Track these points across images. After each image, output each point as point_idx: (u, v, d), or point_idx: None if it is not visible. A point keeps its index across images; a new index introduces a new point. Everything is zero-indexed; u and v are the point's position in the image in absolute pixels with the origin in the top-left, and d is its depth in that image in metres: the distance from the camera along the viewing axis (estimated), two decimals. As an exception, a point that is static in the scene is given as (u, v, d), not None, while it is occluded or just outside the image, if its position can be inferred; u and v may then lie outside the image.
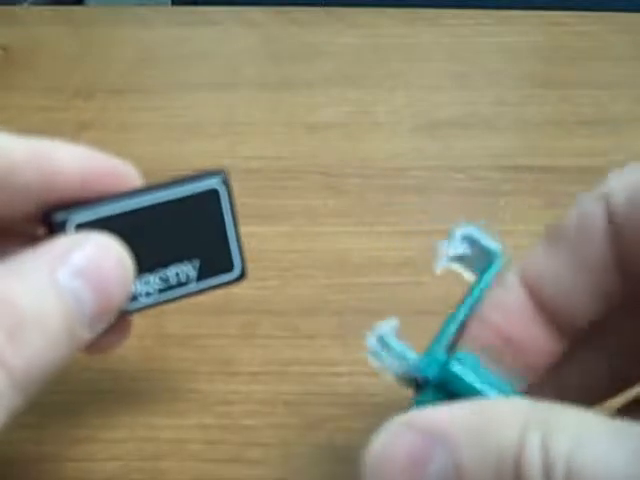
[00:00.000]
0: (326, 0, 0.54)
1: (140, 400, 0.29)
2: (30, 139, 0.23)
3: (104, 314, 0.21)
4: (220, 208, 0.24)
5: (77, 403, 0.29)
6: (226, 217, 0.25)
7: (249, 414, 0.29)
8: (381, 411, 0.29)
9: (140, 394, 0.29)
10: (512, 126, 0.43)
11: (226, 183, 0.25)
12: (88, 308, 0.20)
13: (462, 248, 0.23)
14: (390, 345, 0.22)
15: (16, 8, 0.59)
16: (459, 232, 0.23)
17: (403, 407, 0.29)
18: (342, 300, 0.33)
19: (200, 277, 0.25)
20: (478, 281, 0.23)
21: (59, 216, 0.23)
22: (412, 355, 0.22)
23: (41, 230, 0.24)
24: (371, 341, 0.23)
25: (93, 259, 0.21)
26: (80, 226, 0.23)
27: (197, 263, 0.24)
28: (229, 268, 0.25)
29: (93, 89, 0.45)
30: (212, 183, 0.24)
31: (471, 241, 0.23)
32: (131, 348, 0.31)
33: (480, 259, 0.23)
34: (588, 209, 0.22)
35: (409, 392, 0.23)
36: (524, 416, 0.17)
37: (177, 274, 0.24)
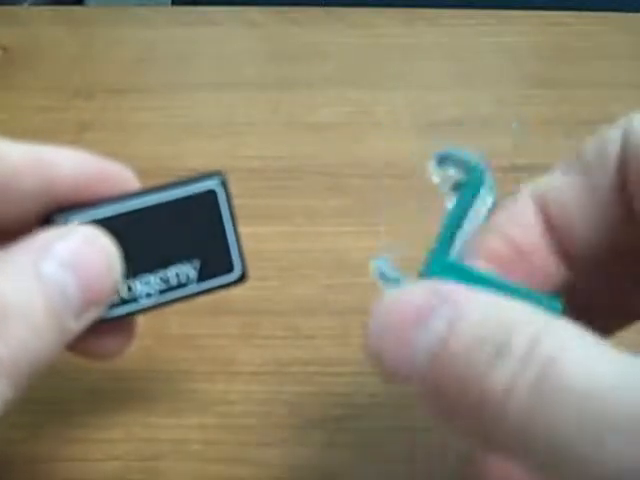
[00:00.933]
0: (326, 0, 0.54)
1: (140, 400, 0.29)
2: (28, 144, 0.23)
3: (91, 304, 0.21)
4: (219, 209, 0.25)
5: (76, 403, 0.29)
6: (225, 218, 0.25)
7: (249, 414, 0.29)
8: (381, 411, 0.29)
9: (140, 394, 0.29)
10: (512, 126, 0.43)
11: (224, 184, 0.25)
12: (73, 298, 0.21)
13: (455, 172, 0.23)
14: (388, 276, 0.23)
15: (16, 8, 0.59)
16: (439, 155, 0.23)
17: (404, 407, 0.29)
18: (342, 300, 0.33)
19: (200, 278, 0.25)
20: (462, 196, 0.23)
21: (60, 218, 0.23)
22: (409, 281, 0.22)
23: None
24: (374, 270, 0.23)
25: (77, 249, 0.21)
26: None
27: (197, 264, 0.24)
28: (229, 269, 0.25)
29: (93, 89, 0.45)
30: (210, 184, 0.24)
31: (454, 162, 0.23)
32: (131, 348, 0.31)
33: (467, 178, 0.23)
34: (607, 136, 0.22)
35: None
36: (531, 309, 0.18)
37: (177, 275, 0.24)
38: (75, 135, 0.42)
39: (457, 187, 0.23)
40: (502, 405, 0.17)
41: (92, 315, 0.22)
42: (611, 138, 0.22)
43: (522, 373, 0.17)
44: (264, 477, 0.27)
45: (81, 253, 0.21)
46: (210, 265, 0.25)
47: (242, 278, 0.25)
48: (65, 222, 0.23)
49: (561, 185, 0.23)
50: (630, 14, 0.52)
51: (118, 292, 0.23)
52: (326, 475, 0.27)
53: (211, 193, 0.24)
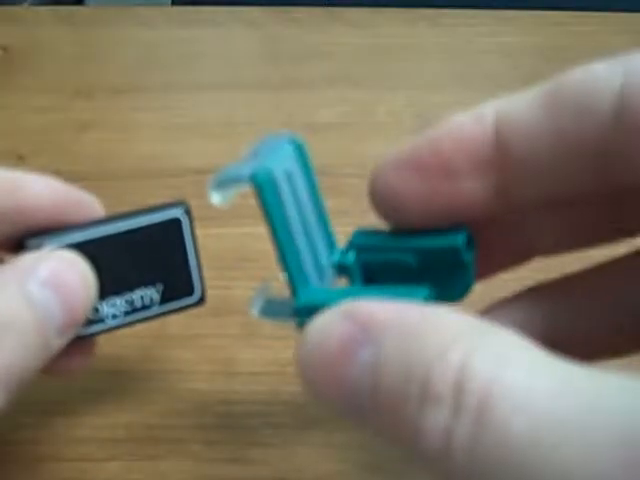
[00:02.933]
0: (326, 0, 0.54)
1: (140, 400, 0.29)
2: (1, 168, 0.24)
3: (72, 323, 0.23)
4: (182, 236, 0.26)
5: (76, 403, 0.29)
6: (188, 245, 0.26)
7: (249, 414, 0.29)
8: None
9: (140, 394, 0.29)
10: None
11: (188, 213, 0.26)
12: (57, 316, 0.22)
13: (236, 189, 0.22)
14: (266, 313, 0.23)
15: (16, 8, 0.59)
16: (216, 180, 0.22)
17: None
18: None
19: (163, 300, 0.26)
20: (265, 209, 0.22)
21: (34, 242, 0.24)
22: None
23: (8, 257, 0.25)
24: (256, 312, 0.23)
25: (58, 271, 0.22)
26: None
27: (160, 287, 0.26)
28: (190, 293, 0.26)
29: (93, 89, 0.45)
30: (175, 213, 0.26)
31: (232, 181, 0.22)
32: (131, 348, 0.31)
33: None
34: (600, 75, 0.20)
35: None
36: (453, 329, 0.16)
37: (142, 297, 0.25)
38: (75, 135, 0.42)
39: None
40: (443, 457, 0.15)
41: (71, 333, 0.23)
42: (605, 77, 0.20)
43: (456, 426, 0.15)
44: (264, 477, 0.27)
45: (63, 275, 0.22)
46: (172, 288, 0.26)
47: (201, 301, 0.27)
48: (38, 246, 0.24)
49: (528, 112, 0.20)
50: (630, 14, 0.52)
51: None
52: (326, 475, 0.27)
53: (175, 221, 0.26)
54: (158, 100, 0.45)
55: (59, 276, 0.22)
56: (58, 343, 0.22)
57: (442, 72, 0.47)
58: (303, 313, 0.21)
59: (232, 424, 0.28)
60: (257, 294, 0.24)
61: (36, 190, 0.24)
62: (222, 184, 0.22)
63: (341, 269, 0.23)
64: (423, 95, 0.45)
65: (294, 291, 0.22)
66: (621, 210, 0.22)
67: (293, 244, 0.22)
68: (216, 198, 0.22)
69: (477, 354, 0.15)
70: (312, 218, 0.23)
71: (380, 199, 0.22)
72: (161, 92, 0.45)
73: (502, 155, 0.20)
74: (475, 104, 0.42)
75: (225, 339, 0.31)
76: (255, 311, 0.24)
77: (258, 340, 0.31)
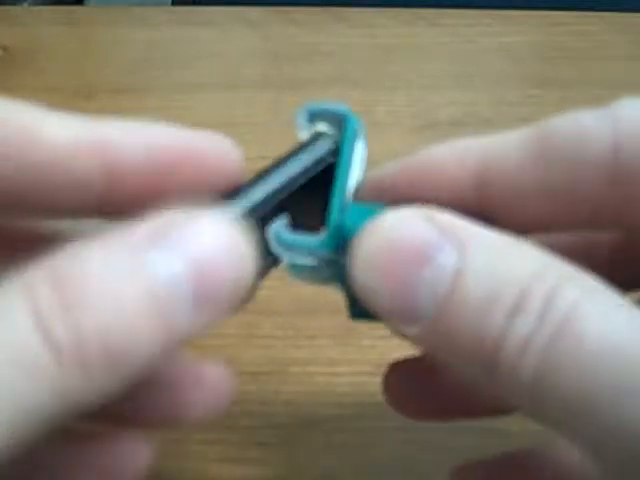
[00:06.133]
0: (326, 0, 0.54)
1: (140, 400, 0.29)
2: (87, 120, 0.20)
3: (207, 300, 0.18)
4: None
5: (77, 403, 0.29)
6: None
7: (249, 414, 0.29)
8: (381, 411, 0.29)
9: (140, 394, 0.29)
10: (512, 126, 0.43)
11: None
12: (184, 289, 0.17)
13: (325, 127, 0.22)
14: (290, 241, 0.22)
15: (16, 8, 0.59)
16: (308, 110, 0.22)
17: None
18: (342, 300, 0.33)
19: None
20: (341, 150, 0.22)
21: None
22: (315, 238, 0.21)
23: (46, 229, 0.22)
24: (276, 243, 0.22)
25: (197, 239, 0.18)
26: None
27: None
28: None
29: (93, 89, 0.45)
30: (327, 143, 0.22)
31: (324, 117, 0.22)
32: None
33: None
34: (590, 126, 0.19)
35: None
36: (543, 258, 0.17)
37: None
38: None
39: (316, 137, 0.22)
40: (516, 362, 0.16)
41: (210, 314, 0.18)
42: (594, 127, 0.19)
43: (537, 332, 0.16)
44: (264, 477, 0.27)
45: (201, 243, 0.18)
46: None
47: None
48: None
49: (515, 158, 0.20)
50: (630, 14, 0.52)
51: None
52: (326, 475, 0.27)
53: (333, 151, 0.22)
54: (158, 100, 0.45)
55: (196, 243, 0.17)
56: (187, 324, 0.17)
57: (442, 72, 0.47)
58: (346, 232, 0.20)
59: (232, 424, 0.28)
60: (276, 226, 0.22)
61: (130, 145, 0.20)
62: (316, 114, 0.22)
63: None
64: (423, 95, 0.45)
65: (331, 213, 0.21)
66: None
67: (347, 181, 0.22)
68: (303, 126, 0.23)
69: (568, 282, 0.16)
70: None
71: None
72: (161, 92, 0.45)
73: (484, 197, 0.20)
74: (475, 104, 0.42)
75: (225, 339, 0.31)
76: (276, 245, 0.22)
77: (258, 340, 0.31)
